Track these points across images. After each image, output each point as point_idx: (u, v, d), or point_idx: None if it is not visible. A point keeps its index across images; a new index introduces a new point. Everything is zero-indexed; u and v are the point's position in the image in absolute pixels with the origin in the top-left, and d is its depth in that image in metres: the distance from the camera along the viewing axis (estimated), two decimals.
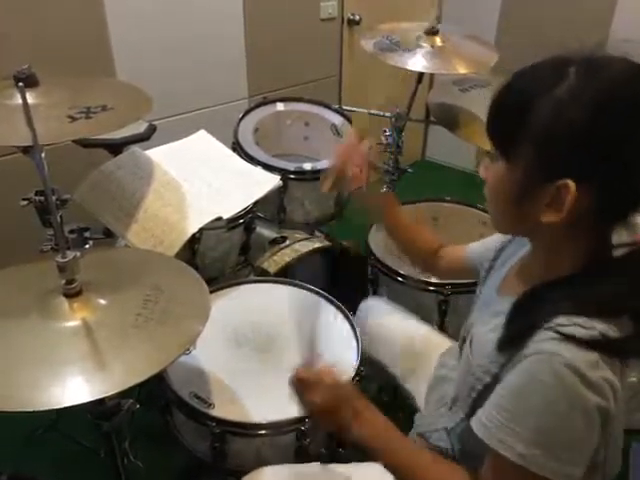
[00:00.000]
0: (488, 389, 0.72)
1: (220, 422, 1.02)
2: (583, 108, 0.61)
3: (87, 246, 1.25)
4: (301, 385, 0.82)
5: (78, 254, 0.83)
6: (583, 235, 0.68)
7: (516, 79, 0.68)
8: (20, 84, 0.74)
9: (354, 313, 1.32)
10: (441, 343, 1.20)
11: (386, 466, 0.77)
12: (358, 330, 1.23)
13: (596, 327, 0.63)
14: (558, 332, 0.63)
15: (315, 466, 0.99)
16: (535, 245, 0.78)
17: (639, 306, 0.67)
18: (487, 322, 0.79)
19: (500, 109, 0.69)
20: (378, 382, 1.35)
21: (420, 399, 1.11)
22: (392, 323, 1.28)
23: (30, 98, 0.98)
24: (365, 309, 1.35)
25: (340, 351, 1.19)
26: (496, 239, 0.95)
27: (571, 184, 0.62)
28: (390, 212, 1.15)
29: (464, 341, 0.89)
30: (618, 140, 0.62)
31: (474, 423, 0.70)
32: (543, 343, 0.64)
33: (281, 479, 0.96)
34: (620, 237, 0.71)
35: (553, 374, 0.61)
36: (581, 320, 0.63)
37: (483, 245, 1.01)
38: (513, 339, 0.69)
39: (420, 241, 1.15)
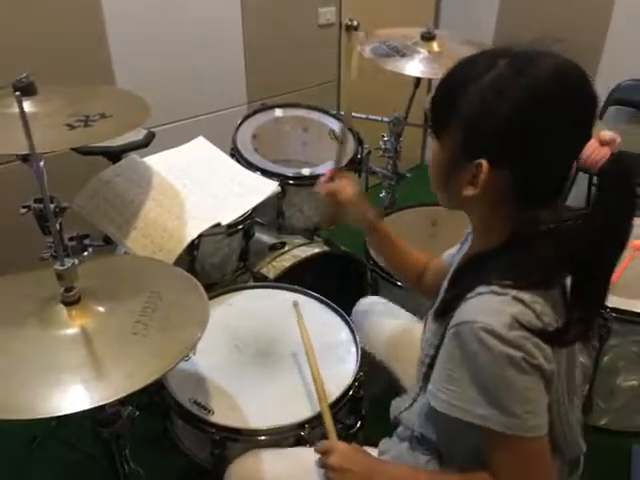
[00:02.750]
0: (433, 361, 0.77)
1: (220, 428, 1.02)
2: (503, 99, 0.67)
3: (86, 253, 1.25)
4: (321, 452, 0.88)
5: (76, 262, 0.83)
6: (507, 211, 0.74)
7: (455, 67, 0.75)
8: (17, 93, 0.74)
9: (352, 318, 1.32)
10: None
11: None
12: (357, 335, 1.23)
13: (509, 293, 0.68)
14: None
15: (307, 450, 1.01)
16: (471, 220, 0.84)
17: (561, 278, 0.73)
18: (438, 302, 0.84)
19: (436, 93, 0.76)
20: (379, 385, 1.35)
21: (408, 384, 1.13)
22: (389, 320, 1.29)
23: (29, 106, 1.00)
24: (362, 306, 1.36)
25: (339, 356, 1.19)
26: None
27: (485, 163, 0.70)
28: (372, 235, 1.16)
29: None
30: (532, 132, 0.67)
31: (431, 399, 0.75)
32: (464, 312, 0.70)
33: (274, 461, 0.98)
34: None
35: (477, 341, 0.67)
36: (497, 287, 0.69)
37: (452, 250, 1.05)
38: (445, 310, 0.75)
39: (409, 261, 1.16)
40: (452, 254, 1.03)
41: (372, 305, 1.35)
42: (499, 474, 0.72)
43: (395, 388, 1.20)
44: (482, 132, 0.70)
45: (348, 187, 1.11)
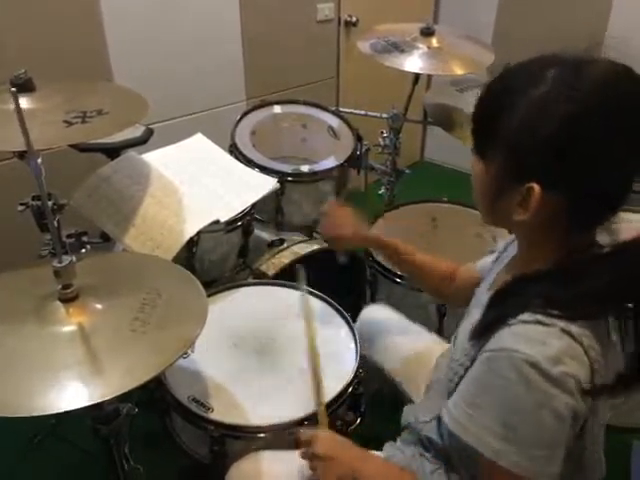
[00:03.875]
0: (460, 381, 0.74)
1: (219, 425, 1.02)
2: (553, 117, 0.62)
3: (84, 250, 1.24)
4: (304, 444, 0.87)
5: (74, 259, 0.83)
6: (558, 233, 0.69)
7: (497, 80, 0.70)
8: (13, 89, 0.73)
9: (352, 314, 1.32)
10: (442, 349, 1.19)
11: None
12: (356, 332, 1.22)
13: (557, 324, 0.63)
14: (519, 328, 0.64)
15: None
16: (518, 239, 0.80)
17: (614, 308, 0.67)
18: (471, 317, 0.81)
19: (478, 110, 0.71)
20: (378, 382, 1.34)
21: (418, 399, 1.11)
22: (394, 329, 1.27)
23: (26, 103, 0.99)
24: (366, 315, 1.34)
25: (338, 353, 1.19)
26: (500, 246, 0.95)
27: (536, 187, 0.64)
28: (382, 252, 1.17)
29: (454, 337, 0.91)
30: (585, 151, 0.62)
31: (446, 418, 0.71)
32: (504, 338, 0.65)
33: (273, 464, 0.97)
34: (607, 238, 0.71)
35: (515, 371, 0.62)
36: (543, 317, 0.63)
37: (488, 258, 1.01)
38: (482, 332, 0.70)
39: (434, 271, 1.13)
40: (487, 264, 0.98)
41: (384, 320, 1.30)
42: None
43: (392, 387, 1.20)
44: (532, 153, 0.64)
45: (343, 225, 1.12)
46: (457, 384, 0.75)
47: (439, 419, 0.85)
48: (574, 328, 0.63)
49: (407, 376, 1.18)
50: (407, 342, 1.23)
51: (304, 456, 0.86)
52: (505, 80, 0.69)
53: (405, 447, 0.94)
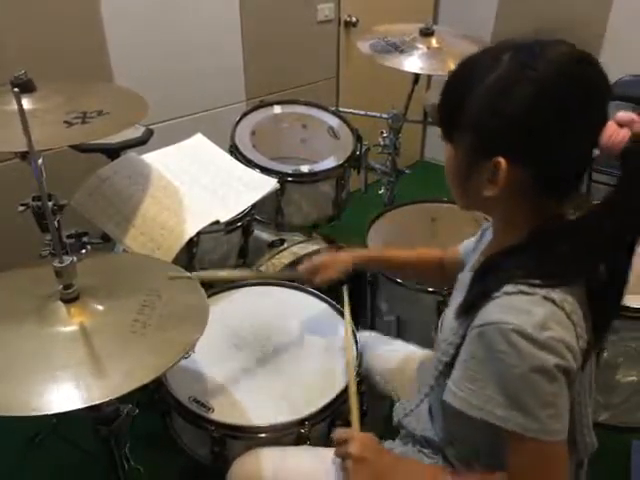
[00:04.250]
0: (454, 360, 0.76)
1: (219, 426, 1.02)
2: (511, 95, 0.66)
3: (84, 251, 1.24)
4: (339, 443, 0.87)
5: (75, 259, 0.83)
6: (527, 206, 0.73)
7: (459, 67, 0.74)
8: (16, 90, 0.74)
9: (353, 315, 1.32)
10: (423, 355, 1.20)
11: None
12: (356, 331, 1.22)
13: (538, 292, 0.67)
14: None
15: (308, 449, 1.01)
16: (492, 218, 0.83)
17: (586, 271, 0.71)
18: (456, 299, 0.83)
19: (443, 97, 0.75)
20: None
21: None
22: (388, 353, 1.25)
23: (27, 104, 1.00)
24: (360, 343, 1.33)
25: (339, 354, 1.19)
26: (478, 233, 0.98)
27: (502, 161, 0.68)
28: (373, 268, 1.18)
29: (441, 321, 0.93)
30: (546, 123, 0.66)
31: (448, 397, 0.74)
32: (491, 312, 0.68)
33: (275, 461, 0.97)
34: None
35: (506, 342, 0.65)
36: (525, 287, 0.67)
37: (471, 240, 1.03)
38: (468, 309, 0.73)
39: (424, 266, 1.15)
40: (470, 244, 1.01)
41: (366, 339, 1.30)
42: (516, 476, 0.71)
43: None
44: (495, 130, 0.68)
45: (326, 266, 1.15)
46: (446, 364, 0.78)
47: (431, 413, 0.87)
48: (555, 295, 0.67)
49: (392, 383, 1.18)
50: (402, 361, 1.21)
51: (338, 454, 0.87)
52: (465, 67, 0.73)
53: (403, 445, 0.95)
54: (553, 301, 0.66)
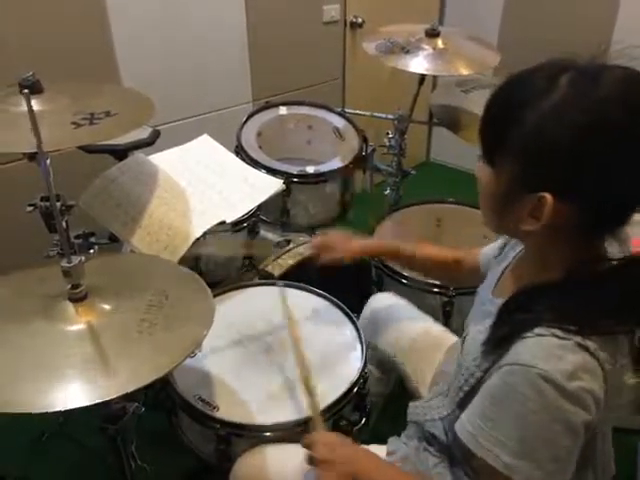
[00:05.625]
0: (473, 391, 0.73)
1: (225, 424, 1.02)
2: (566, 127, 0.61)
3: (92, 251, 1.25)
4: (307, 449, 0.86)
5: (83, 259, 0.84)
6: (569, 244, 0.68)
7: (507, 85, 0.68)
8: (25, 91, 0.74)
9: (357, 315, 1.32)
10: (449, 339, 1.20)
11: None
12: (362, 333, 1.23)
13: (572, 338, 0.62)
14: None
15: None
16: (526, 247, 0.79)
17: (625, 324, 0.66)
18: (479, 322, 0.80)
19: (488, 116, 0.69)
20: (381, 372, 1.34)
21: (424, 389, 1.12)
22: (401, 317, 1.27)
23: (34, 105, 1.00)
24: (374, 304, 1.35)
25: (344, 353, 1.19)
26: (500, 242, 0.95)
27: (549, 197, 0.63)
28: (396, 261, 1.18)
29: (464, 340, 0.90)
30: (601, 161, 0.61)
31: (459, 429, 0.71)
32: (520, 353, 0.64)
33: (279, 458, 0.97)
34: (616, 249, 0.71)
35: (531, 386, 0.62)
36: (559, 332, 0.63)
37: (491, 246, 1.01)
38: (496, 345, 0.69)
39: (439, 263, 1.14)
40: (489, 257, 0.97)
41: (391, 307, 1.30)
42: None
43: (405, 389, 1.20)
44: (544, 163, 0.63)
45: (335, 245, 1.15)
46: (466, 393, 0.75)
47: (448, 420, 0.85)
48: (590, 343, 0.62)
49: (413, 363, 1.18)
50: (414, 329, 1.23)
51: (308, 462, 0.86)
52: (515, 86, 0.67)
53: (409, 441, 0.95)
54: (587, 349, 0.62)
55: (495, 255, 0.93)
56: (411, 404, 1.01)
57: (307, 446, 0.85)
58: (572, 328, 0.63)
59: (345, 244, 1.16)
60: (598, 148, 0.61)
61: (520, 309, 0.69)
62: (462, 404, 0.75)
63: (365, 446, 0.94)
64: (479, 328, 0.77)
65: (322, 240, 1.17)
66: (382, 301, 1.35)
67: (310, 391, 0.98)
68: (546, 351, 0.62)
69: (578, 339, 0.62)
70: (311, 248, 1.19)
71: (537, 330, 0.64)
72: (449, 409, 0.86)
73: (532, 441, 0.63)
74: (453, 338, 1.21)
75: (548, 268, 0.71)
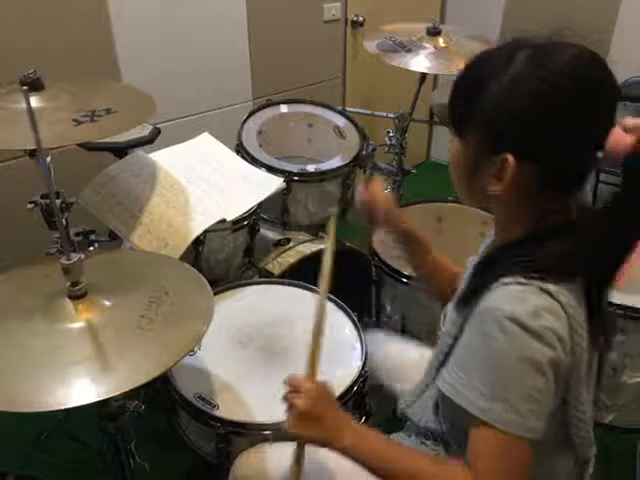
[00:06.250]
0: (451, 350, 0.77)
1: (225, 423, 1.03)
2: (522, 95, 0.68)
3: (92, 248, 1.25)
4: (287, 392, 0.79)
5: (83, 256, 0.84)
6: (531, 203, 0.74)
7: (471, 64, 0.75)
8: (24, 88, 0.74)
9: (358, 314, 1.32)
10: None
11: (384, 476, 0.75)
12: (362, 331, 1.23)
13: (534, 283, 0.68)
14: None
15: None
16: (495, 215, 0.83)
17: (584, 268, 0.72)
18: (458, 291, 0.84)
19: (455, 91, 0.76)
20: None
21: None
22: (395, 351, 1.26)
23: (36, 102, 1.00)
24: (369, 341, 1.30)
25: (344, 352, 1.19)
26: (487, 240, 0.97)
27: (510, 158, 0.69)
28: (410, 246, 1.14)
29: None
30: (552, 125, 0.68)
31: (440, 382, 0.75)
32: (487, 300, 0.70)
33: (279, 456, 0.97)
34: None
35: (497, 327, 0.67)
36: (522, 279, 0.68)
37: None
38: (466, 300, 0.75)
39: (444, 275, 1.11)
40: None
41: (374, 338, 1.30)
42: (477, 465, 0.69)
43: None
44: (505, 127, 0.69)
45: (380, 192, 1.12)
46: (446, 354, 0.79)
47: (436, 404, 0.86)
48: (551, 287, 0.68)
49: (394, 378, 1.18)
50: (409, 360, 1.21)
51: (285, 400, 0.78)
52: (479, 63, 0.74)
53: (407, 436, 0.96)
54: (548, 292, 0.67)
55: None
56: (401, 402, 1.00)
57: (292, 388, 0.78)
58: (534, 275, 0.68)
59: (386, 202, 1.11)
60: (550, 114, 0.68)
61: (488, 265, 0.77)
62: (442, 365, 0.79)
63: None
64: (457, 295, 0.82)
65: (370, 195, 1.11)
66: (370, 340, 1.28)
67: (316, 342, 0.88)
68: (510, 295, 0.68)
69: (539, 283, 0.68)
70: (359, 202, 1.13)
71: (502, 280, 0.70)
72: (429, 379, 0.88)
73: (502, 382, 0.67)
74: None
75: (514, 228, 0.77)
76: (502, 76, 0.69)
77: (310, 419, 0.76)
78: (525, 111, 0.68)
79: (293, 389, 0.78)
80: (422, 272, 1.15)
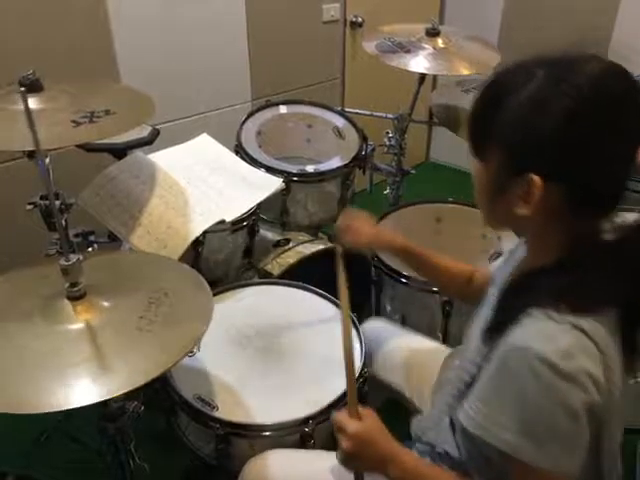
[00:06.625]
0: (474, 380, 0.73)
1: (224, 424, 1.02)
2: (545, 110, 0.64)
3: (91, 249, 1.25)
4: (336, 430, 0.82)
5: (81, 257, 0.84)
6: (560, 226, 0.70)
7: (490, 83, 0.71)
8: (22, 89, 0.74)
9: (357, 315, 1.32)
10: (443, 352, 1.18)
11: None
12: (361, 332, 1.22)
13: (567, 319, 0.63)
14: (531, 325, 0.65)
15: (317, 452, 1.01)
16: (522, 237, 0.80)
17: (622, 299, 0.67)
18: (482, 314, 0.81)
19: (473, 111, 0.73)
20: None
21: (421, 402, 1.11)
22: (392, 342, 1.25)
23: (34, 103, 1.00)
24: (367, 331, 1.31)
25: (342, 350, 1.19)
26: (511, 246, 0.94)
27: (536, 178, 0.65)
28: (406, 260, 1.15)
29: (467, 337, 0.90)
30: (580, 143, 0.64)
31: (462, 416, 0.72)
32: (516, 336, 0.66)
33: (285, 463, 0.97)
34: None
35: (527, 368, 0.63)
36: (555, 314, 0.64)
37: (502, 258, 1.00)
38: (493, 330, 0.71)
39: (449, 275, 1.13)
40: (499, 264, 0.97)
41: (382, 334, 1.28)
42: None
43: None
44: (528, 146, 0.66)
45: (360, 230, 1.12)
46: (469, 384, 0.75)
47: (453, 426, 0.83)
48: (584, 323, 0.63)
49: (411, 385, 1.17)
50: (408, 352, 1.21)
51: (337, 434, 0.81)
52: (497, 81, 0.71)
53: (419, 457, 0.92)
54: (582, 329, 0.63)
55: (503, 261, 0.93)
56: (414, 420, 0.99)
57: (338, 428, 0.80)
58: (566, 309, 0.64)
59: (373, 236, 1.13)
60: (574, 130, 0.64)
61: (517, 294, 0.72)
62: (463, 394, 0.75)
63: None
64: (481, 319, 0.79)
65: (347, 223, 1.14)
66: (371, 328, 1.31)
67: (350, 365, 0.93)
68: (541, 332, 0.64)
69: (572, 319, 0.63)
70: (336, 231, 1.15)
71: (532, 312, 0.65)
72: (446, 407, 0.85)
73: (531, 421, 0.64)
74: (447, 351, 1.20)
75: (543, 253, 0.72)
76: (521, 92, 0.65)
77: (356, 458, 0.79)
78: (548, 128, 0.64)
79: (339, 429, 0.80)
80: (430, 278, 1.16)
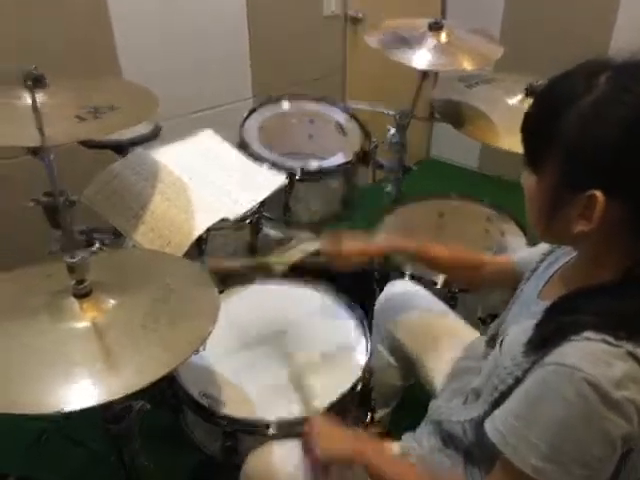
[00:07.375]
0: (509, 391, 0.70)
1: (231, 420, 1.02)
2: (608, 122, 0.60)
3: (96, 247, 1.25)
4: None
5: (87, 254, 0.83)
6: (621, 244, 0.67)
7: (546, 90, 0.68)
8: (29, 83, 0.74)
9: (362, 311, 1.32)
10: (464, 331, 1.19)
11: None
12: (367, 329, 1.22)
13: (624, 346, 0.60)
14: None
15: None
16: (577, 252, 0.77)
17: None
18: (522, 323, 0.77)
19: (529, 123, 0.69)
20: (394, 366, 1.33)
21: (437, 381, 1.10)
22: (416, 302, 1.25)
23: (39, 99, 0.99)
24: (390, 290, 1.32)
25: (348, 349, 1.19)
26: (545, 245, 0.93)
27: (599, 195, 0.62)
28: (424, 263, 1.15)
29: (493, 339, 0.88)
30: None
31: (488, 426, 0.69)
32: (566, 354, 0.62)
33: (288, 453, 0.96)
34: None
35: (574, 389, 0.60)
36: (610, 337, 0.61)
37: (531, 252, 0.99)
38: (538, 345, 0.67)
39: (466, 270, 1.13)
40: (530, 260, 0.93)
41: (409, 295, 1.28)
42: None
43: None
44: (590, 160, 0.62)
45: (348, 253, 1.14)
46: (502, 393, 0.72)
47: (474, 422, 0.82)
48: None
49: (426, 351, 1.16)
50: (429, 317, 1.21)
51: (303, 447, 0.88)
52: (555, 88, 0.67)
53: (424, 438, 0.93)
54: (638, 359, 0.60)
55: (539, 260, 0.90)
56: (432, 402, 0.99)
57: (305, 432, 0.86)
58: (623, 335, 0.61)
59: (355, 249, 1.14)
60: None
61: (568, 311, 0.67)
62: (497, 404, 0.73)
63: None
64: (522, 328, 0.74)
65: (334, 249, 1.15)
66: (399, 287, 1.32)
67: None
68: (594, 356, 0.60)
69: (629, 347, 0.60)
70: (323, 257, 1.17)
71: (586, 334, 0.62)
72: (478, 411, 0.80)
73: (564, 445, 0.61)
74: (471, 331, 1.19)
75: (600, 271, 0.69)
76: (582, 102, 0.62)
77: (325, 436, 0.85)
78: (611, 141, 0.60)
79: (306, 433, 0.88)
80: (431, 269, 1.17)
